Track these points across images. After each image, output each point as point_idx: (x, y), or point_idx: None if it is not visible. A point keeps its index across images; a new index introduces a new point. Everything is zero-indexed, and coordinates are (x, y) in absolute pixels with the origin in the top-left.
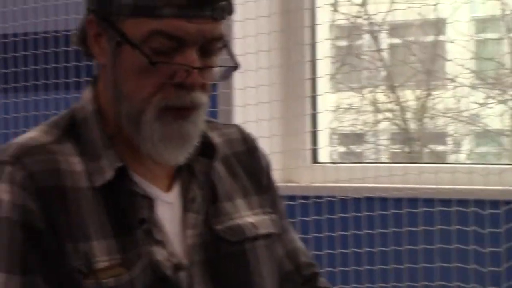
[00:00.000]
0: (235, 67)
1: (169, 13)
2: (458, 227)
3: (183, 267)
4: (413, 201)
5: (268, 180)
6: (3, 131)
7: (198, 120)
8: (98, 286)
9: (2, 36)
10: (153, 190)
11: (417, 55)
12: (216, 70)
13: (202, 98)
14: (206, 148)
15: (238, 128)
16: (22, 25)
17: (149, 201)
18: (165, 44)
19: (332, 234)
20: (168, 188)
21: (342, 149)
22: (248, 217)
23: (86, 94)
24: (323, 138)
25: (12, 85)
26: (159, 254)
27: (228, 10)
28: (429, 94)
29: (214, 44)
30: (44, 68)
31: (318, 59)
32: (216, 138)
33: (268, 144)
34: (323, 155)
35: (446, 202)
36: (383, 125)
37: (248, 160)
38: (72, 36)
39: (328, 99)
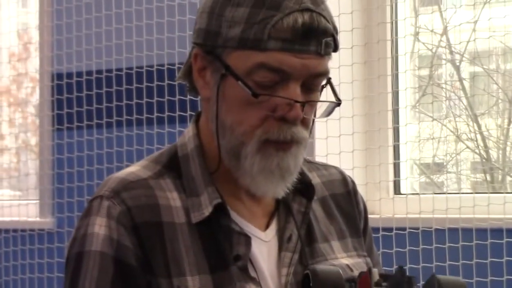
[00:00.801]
0: (338, 103)
1: (275, 46)
2: None
3: None
4: (497, 232)
5: (365, 225)
6: (109, 165)
7: (299, 155)
8: None
9: (97, 72)
10: (250, 228)
11: (499, 84)
12: (319, 106)
13: (304, 133)
14: (305, 188)
15: (339, 170)
16: (117, 60)
17: (246, 238)
18: (269, 78)
19: (416, 266)
20: (265, 227)
21: (423, 179)
22: (343, 259)
23: (189, 130)
24: (404, 169)
25: (115, 119)
26: None
27: (334, 46)
28: (511, 123)
29: (317, 80)
30: (148, 102)
31: (400, 90)
32: (315, 178)
33: (350, 176)
34: (404, 185)
35: None
36: (465, 154)
37: (347, 203)
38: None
39: (409, 129)
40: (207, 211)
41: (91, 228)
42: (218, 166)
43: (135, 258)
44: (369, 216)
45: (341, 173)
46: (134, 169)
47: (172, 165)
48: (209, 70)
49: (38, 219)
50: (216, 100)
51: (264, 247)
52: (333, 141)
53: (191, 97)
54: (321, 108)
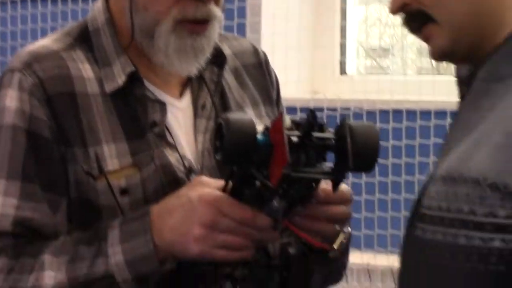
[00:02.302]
0: None
1: None
2: None
3: (195, 171)
4: (441, 114)
5: (277, 96)
6: (14, 43)
7: (212, 34)
8: (110, 187)
9: None
10: (164, 97)
11: None
12: None
13: (218, 11)
14: (216, 58)
15: (249, 42)
16: None
17: (161, 105)
18: None
19: None
20: (180, 95)
21: (369, 62)
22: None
23: (98, 5)
24: (350, 52)
25: None
26: (171, 156)
27: None
28: None
29: None
30: None
31: None
32: (226, 49)
33: (296, 56)
34: (350, 69)
35: None
36: (411, 39)
37: (258, 73)
38: None
39: (356, 12)
40: (120, 80)
41: (1, 102)
42: (130, 42)
43: (48, 130)
44: (314, 96)
45: (252, 45)
46: (44, 43)
47: (83, 38)
48: None
49: None
50: None
51: (179, 114)
52: (280, 20)
53: None
54: None
